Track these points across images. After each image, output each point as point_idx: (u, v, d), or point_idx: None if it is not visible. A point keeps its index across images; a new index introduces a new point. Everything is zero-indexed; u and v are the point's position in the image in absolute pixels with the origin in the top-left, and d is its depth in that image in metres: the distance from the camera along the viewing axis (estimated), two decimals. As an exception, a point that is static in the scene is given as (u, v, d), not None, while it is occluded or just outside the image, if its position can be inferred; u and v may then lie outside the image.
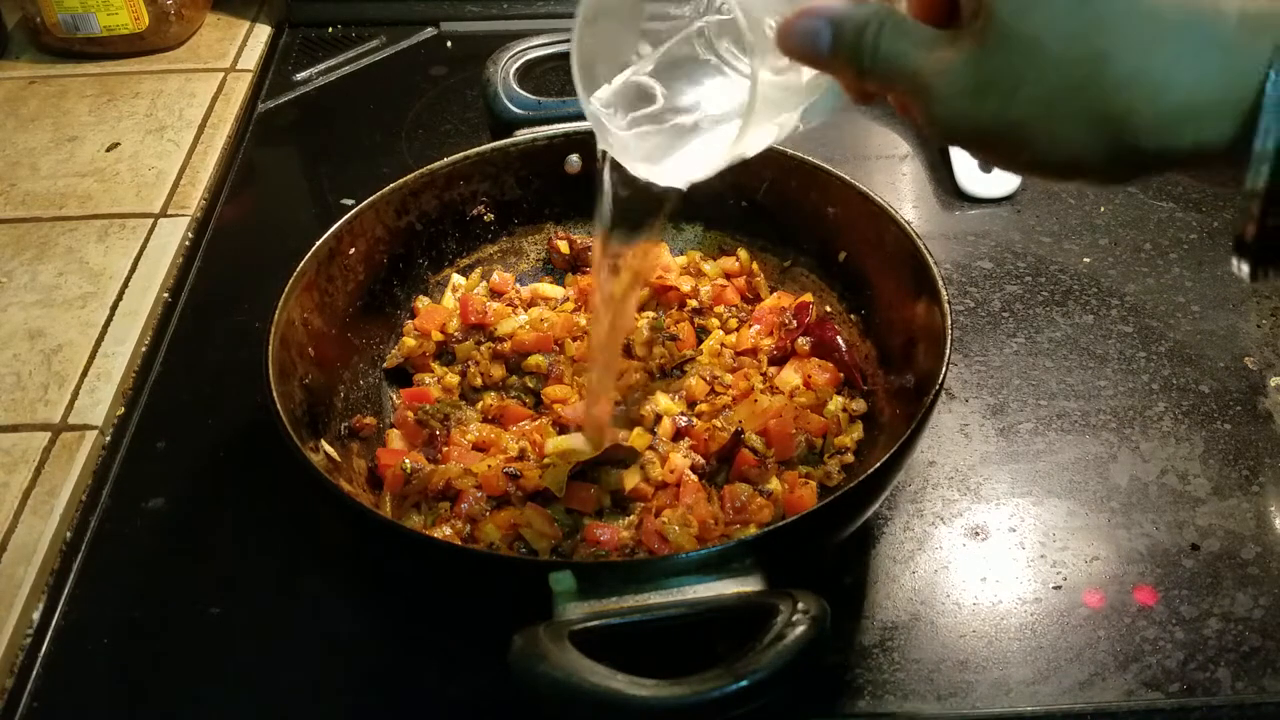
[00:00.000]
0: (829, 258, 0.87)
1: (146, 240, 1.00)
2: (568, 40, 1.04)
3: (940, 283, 0.73)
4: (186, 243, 1.01)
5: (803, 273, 0.89)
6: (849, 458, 0.78)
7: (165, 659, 0.71)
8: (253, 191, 1.11)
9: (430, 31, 1.31)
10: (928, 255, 0.75)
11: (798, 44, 0.52)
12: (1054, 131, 0.46)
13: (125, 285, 0.96)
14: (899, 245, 0.78)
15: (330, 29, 1.31)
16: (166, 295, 0.96)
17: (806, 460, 0.78)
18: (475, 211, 0.91)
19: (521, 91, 0.93)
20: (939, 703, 0.67)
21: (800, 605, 0.54)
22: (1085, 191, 1.05)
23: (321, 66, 1.26)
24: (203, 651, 0.72)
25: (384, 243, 0.86)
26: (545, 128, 0.91)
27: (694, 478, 0.75)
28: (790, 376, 0.82)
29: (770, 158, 0.88)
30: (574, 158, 0.91)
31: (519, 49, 0.96)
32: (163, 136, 1.13)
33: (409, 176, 0.86)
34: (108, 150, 1.11)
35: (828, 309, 0.87)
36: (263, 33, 1.30)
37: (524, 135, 0.90)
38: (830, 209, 0.85)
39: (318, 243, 0.79)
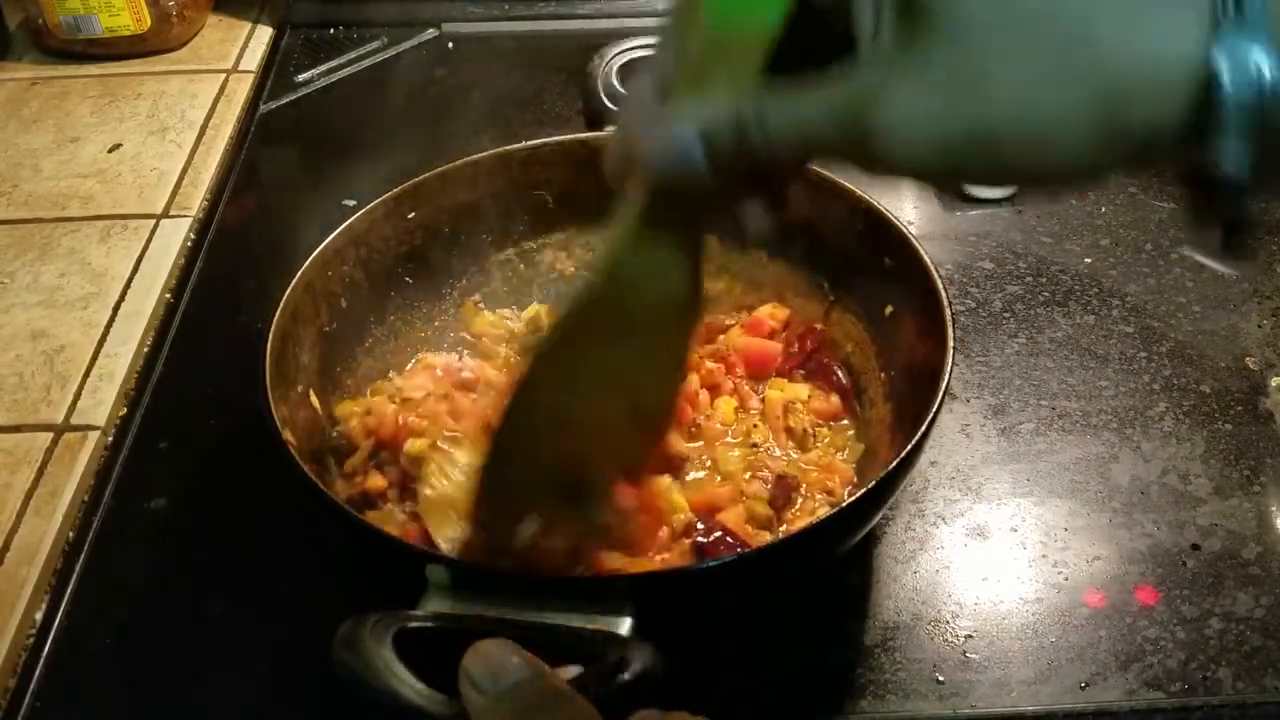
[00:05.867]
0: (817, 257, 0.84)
1: (149, 241, 1.01)
2: None
3: (945, 298, 0.71)
4: (189, 244, 1.01)
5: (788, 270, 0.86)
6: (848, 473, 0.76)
7: (168, 659, 0.71)
8: (255, 192, 1.11)
9: (432, 33, 1.31)
10: (928, 261, 0.74)
11: (665, 169, 0.46)
12: (1032, 120, 0.40)
13: (127, 286, 0.96)
14: (898, 249, 0.77)
15: (332, 30, 1.31)
16: (169, 296, 0.97)
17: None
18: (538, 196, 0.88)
19: (620, 88, 0.91)
20: (940, 703, 0.67)
21: (622, 662, 0.51)
22: (1086, 192, 1.05)
23: (323, 68, 1.26)
24: (205, 652, 0.72)
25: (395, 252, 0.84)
26: None
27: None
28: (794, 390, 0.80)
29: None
30: None
31: (627, 45, 0.94)
32: (165, 137, 1.13)
33: (483, 156, 0.84)
34: (110, 151, 1.11)
35: (818, 325, 0.84)
36: (264, 34, 1.30)
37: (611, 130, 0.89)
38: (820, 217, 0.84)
39: (314, 252, 0.78)
